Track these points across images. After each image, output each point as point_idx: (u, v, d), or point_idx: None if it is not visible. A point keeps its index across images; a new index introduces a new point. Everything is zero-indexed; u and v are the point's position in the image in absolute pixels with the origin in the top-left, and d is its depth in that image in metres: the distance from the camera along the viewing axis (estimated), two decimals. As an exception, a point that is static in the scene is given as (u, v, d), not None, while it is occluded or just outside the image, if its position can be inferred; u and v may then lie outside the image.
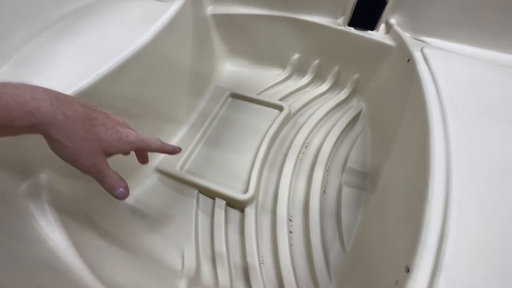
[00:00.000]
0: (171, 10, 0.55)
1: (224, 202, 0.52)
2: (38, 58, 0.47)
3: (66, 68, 0.45)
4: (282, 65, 0.78)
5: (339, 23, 0.64)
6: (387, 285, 0.29)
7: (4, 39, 0.47)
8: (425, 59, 0.49)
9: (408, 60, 0.52)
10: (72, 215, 0.38)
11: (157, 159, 0.58)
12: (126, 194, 0.28)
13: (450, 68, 0.47)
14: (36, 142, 0.36)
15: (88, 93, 0.40)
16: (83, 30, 0.53)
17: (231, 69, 0.80)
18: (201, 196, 0.54)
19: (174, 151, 0.33)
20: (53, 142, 0.23)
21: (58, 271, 0.31)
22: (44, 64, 0.46)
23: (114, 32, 0.52)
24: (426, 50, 0.51)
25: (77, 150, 0.24)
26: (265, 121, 0.64)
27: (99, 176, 0.26)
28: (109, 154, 0.27)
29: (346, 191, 0.54)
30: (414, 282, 0.26)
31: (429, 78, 0.45)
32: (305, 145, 0.63)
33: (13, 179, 0.35)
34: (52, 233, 0.33)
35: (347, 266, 0.44)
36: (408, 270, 0.27)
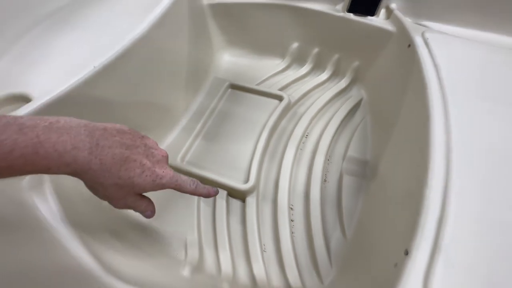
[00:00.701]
0: (166, 0, 0.54)
1: (225, 193, 0.53)
2: (34, 52, 0.47)
3: (63, 61, 0.45)
4: (281, 54, 0.77)
5: (338, 10, 0.63)
6: (386, 268, 0.30)
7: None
8: (426, 44, 0.48)
9: (409, 46, 0.51)
10: (75, 207, 0.39)
11: (157, 151, 0.58)
12: (152, 215, 0.32)
13: (451, 52, 0.46)
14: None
15: (86, 85, 0.40)
16: (79, 22, 0.53)
17: (229, 59, 0.79)
18: (203, 187, 0.55)
19: (208, 194, 0.32)
20: (87, 185, 0.26)
21: (63, 260, 0.32)
22: (41, 57, 0.46)
23: (110, 23, 0.52)
24: (427, 35, 0.50)
25: (108, 194, 0.26)
26: (264, 112, 0.64)
27: (129, 209, 0.29)
28: (138, 194, 0.28)
29: (346, 179, 0.55)
30: (413, 264, 0.26)
31: (430, 62, 0.44)
32: (305, 135, 0.63)
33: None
34: (56, 224, 0.34)
35: (348, 252, 0.45)
36: (407, 253, 0.27)
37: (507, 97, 0.40)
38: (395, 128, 0.49)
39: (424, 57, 0.46)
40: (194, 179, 0.31)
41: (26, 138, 0.19)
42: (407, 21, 0.56)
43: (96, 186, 0.25)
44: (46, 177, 0.37)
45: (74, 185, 0.41)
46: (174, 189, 0.29)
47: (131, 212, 0.49)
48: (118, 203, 0.28)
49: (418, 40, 0.49)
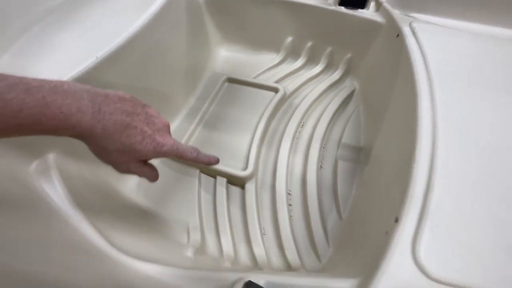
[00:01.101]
0: (163, -4, 0.56)
1: (225, 180, 0.54)
2: (36, 47, 0.48)
3: (64, 55, 0.46)
4: (276, 49, 0.79)
5: (330, 3, 0.66)
6: (378, 237, 0.32)
7: (1, 31, 0.48)
8: (414, 33, 0.51)
9: (397, 36, 0.54)
10: (80, 192, 0.40)
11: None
12: (156, 179, 0.32)
13: (437, 40, 0.49)
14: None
15: (88, 76, 0.41)
16: (78, 18, 0.54)
17: (226, 55, 0.81)
18: (203, 176, 0.56)
19: (209, 162, 0.32)
20: (90, 148, 0.26)
21: (71, 236, 0.34)
22: (43, 51, 0.47)
23: (109, 19, 0.53)
24: (414, 24, 0.52)
25: (111, 159, 0.27)
26: (261, 103, 0.66)
27: (132, 174, 0.30)
28: (141, 160, 0.29)
29: (341, 165, 0.57)
30: (402, 229, 0.28)
31: (417, 51, 0.47)
32: (301, 124, 0.65)
33: (24, 159, 0.37)
34: (64, 205, 0.35)
35: (344, 231, 0.47)
36: (396, 220, 0.30)
37: (489, 81, 0.42)
38: (386, 114, 0.52)
39: (411, 46, 0.48)
40: (194, 147, 0.31)
41: (33, 98, 0.20)
42: (396, 12, 0.58)
43: (99, 150, 0.26)
44: (52, 164, 0.39)
45: (79, 172, 0.43)
46: (176, 156, 0.29)
47: (134, 197, 0.51)
48: (121, 167, 0.28)
49: (406, 30, 0.52)
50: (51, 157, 0.39)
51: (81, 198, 0.39)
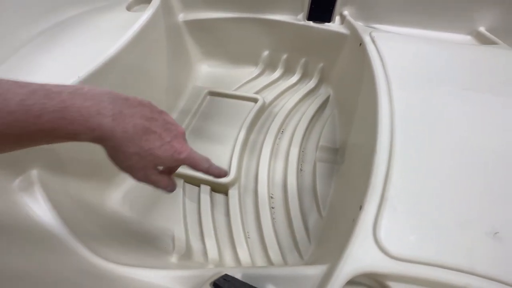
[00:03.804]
0: (142, 19, 0.60)
1: (208, 188, 0.56)
2: (22, 67, 0.50)
3: (48, 75, 0.49)
4: (254, 62, 0.84)
5: (299, 19, 0.71)
6: (348, 226, 0.34)
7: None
8: (373, 41, 0.56)
9: (360, 44, 0.59)
10: (66, 206, 0.41)
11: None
12: (174, 189, 0.31)
13: (394, 46, 0.54)
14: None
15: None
16: (60, 43, 0.57)
17: (207, 70, 0.85)
18: (187, 185, 0.58)
19: (219, 174, 0.31)
20: (109, 153, 0.25)
21: (60, 256, 0.34)
22: (28, 71, 0.49)
23: (90, 42, 0.56)
24: (373, 34, 0.58)
25: (129, 164, 0.26)
26: (242, 113, 0.69)
27: (150, 183, 0.28)
28: (159, 166, 0.28)
29: (320, 166, 0.60)
30: (364, 215, 0.31)
31: (377, 56, 0.52)
32: (280, 131, 0.68)
33: (6, 176, 0.38)
34: (49, 221, 0.36)
35: (323, 228, 0.49)
36: (360, 208, 0.32)
37: (440, 78, 0.47)
38: (355, 114, 0.56)
39: (372, 52, 0.53)
40: (207, 157, 0.30)
41: (53, 103, 0.20)
42: (358, 24, 0.64)
43: (118, 154, 0.25)
44: (35, 179, 0.40)
45: (63, 187, 0.44)
46: (190, 165, 0.28)
47: (120, 210, 0.52)
48: (139, 174, 0.27)
49: (367, 39, 0.57)
50: (34, 173, 0.40)
51: (65, 213, 0.40)
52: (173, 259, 0.43)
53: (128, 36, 0.55)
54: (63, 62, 0.51)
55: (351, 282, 0.27)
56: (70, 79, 0.44)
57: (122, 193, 0.54)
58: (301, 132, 0.66)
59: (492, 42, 0.59)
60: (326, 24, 0.69)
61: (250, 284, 0.27)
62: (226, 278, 0.28)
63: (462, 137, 0.37)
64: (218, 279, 0.27)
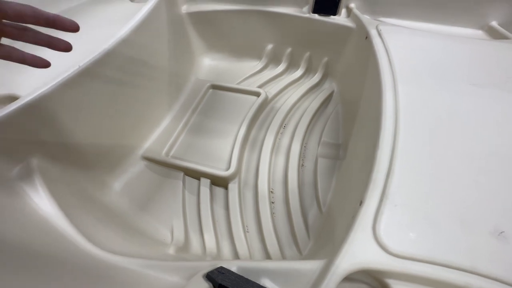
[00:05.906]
0: (144, 9, 0.59)
1: (208, 181, 0.56)
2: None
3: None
4: (258, 56, 0.82)
5: (304, 12, 0.70)
6: (347, 222, 0.33)
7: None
8: (380, 34, 0.54)
9: (366, 37, 0.57)
10: (65, 195, 0.41)
11: (143, 147, 0.61)
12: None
13: (400, 39, 0.52)
14: (25, 127, 0.39)
15: (73, 83, 0.44)
16: (61, 32, 0.56)
17: (210, 63, 0.84)
18: (187, 178, 0.58)
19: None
20: None
21: (58, 244, 0.34)
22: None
23: (91, 32, 0.56)
24: (380, 27, 0.56)
25: None
26: (244, 107, 0.69)
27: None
28: None
29: (321, 162, 0.59)
30: (364, 211, 0.30)
31: (383, 49, 0.50)
32: (283, 126, 0.67)
33: (5, 164, 0.38)
34: (48, 210, 0.36)
35: (323, 223, 0.48)
36: (361, 203, 0.31)
37: (446, 72, 0.45)
38: (359, 109, 0.54)
39: (378, 45, 0.52)
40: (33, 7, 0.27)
41: None
42: (365, 17, 0.62)
43: None
44: (35, 168, 0.40)
45: (62, 176, 0.44)
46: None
47: (119, 201, 0.52)
48: None
49: (373, 32, 0.55)
50: (34, 161, 0.40)
51: (64, 202, 0.40)
52: (171, 251, 0.43)
53: (129, 27, 0.54)
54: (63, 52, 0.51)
55: (349, 278, 0.27)
56: (71, 69, 0.44)
57: (122, 184, 0.54)
58: (304, 127, 0.65)
59: (504, 37, 0.57)
60: (332, 17, 0.67)
61: (245, 277, 0.27)
62: (221, 271, 0.28)
63: (468, 134, 0.36)
64: (211, 271, 0.27)
